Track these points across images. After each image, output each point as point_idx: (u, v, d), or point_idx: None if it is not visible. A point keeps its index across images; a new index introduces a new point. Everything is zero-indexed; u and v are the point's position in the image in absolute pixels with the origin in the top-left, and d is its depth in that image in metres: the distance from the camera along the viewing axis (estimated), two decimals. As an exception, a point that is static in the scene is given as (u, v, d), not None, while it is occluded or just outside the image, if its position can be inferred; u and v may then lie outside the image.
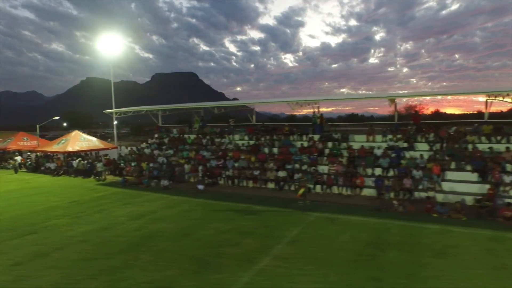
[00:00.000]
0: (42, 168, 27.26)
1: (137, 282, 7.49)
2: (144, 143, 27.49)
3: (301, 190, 12.95)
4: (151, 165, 22.60)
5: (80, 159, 25.30)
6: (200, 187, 17.74)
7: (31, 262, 8.75)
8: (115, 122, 33.85)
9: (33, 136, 35.49)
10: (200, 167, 19.31)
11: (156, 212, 13.61)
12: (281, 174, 18.21)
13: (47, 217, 13.16)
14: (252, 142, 22.48)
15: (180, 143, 25.18)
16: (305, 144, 20.53)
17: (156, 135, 28.59)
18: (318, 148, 19.62)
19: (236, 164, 20.18)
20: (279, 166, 18.88)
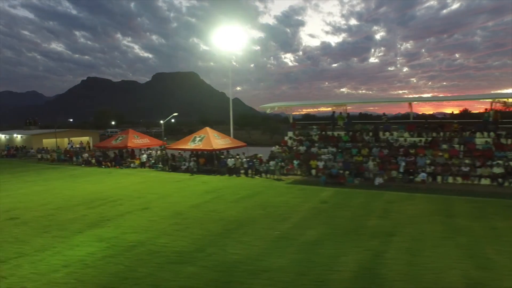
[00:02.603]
0: (183, 168, 26.75)
1: None
2: (290, 140, 27.10)
3: None
4: (322, 163, 22.36)
5: (238, 156, 24.89)
6: (423, 175, 18.35)
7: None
8: (231, 118, 33.39)
9: (141, 134, 35.23)
10: (403, 164, 19.16)
11: (451, 210, 13.50)
12: (497, 170, 18.11)
13: (357, 220, 12.40)
14: (411, 139, 22.57)
15: (334, 140, 24.92)
16: (484, 141, 20.49)
17: (290, 132, 28.26)
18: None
19: (427, 161, 20.07)
20: (482, 162, 18.83)
